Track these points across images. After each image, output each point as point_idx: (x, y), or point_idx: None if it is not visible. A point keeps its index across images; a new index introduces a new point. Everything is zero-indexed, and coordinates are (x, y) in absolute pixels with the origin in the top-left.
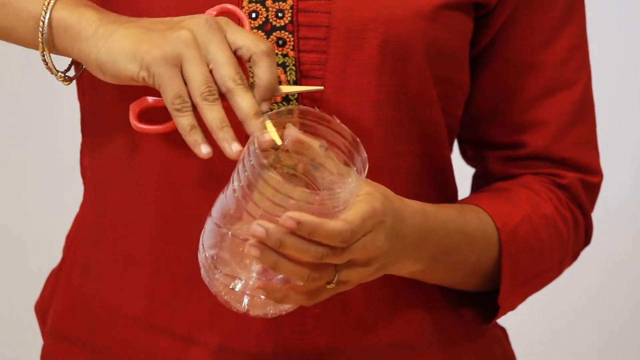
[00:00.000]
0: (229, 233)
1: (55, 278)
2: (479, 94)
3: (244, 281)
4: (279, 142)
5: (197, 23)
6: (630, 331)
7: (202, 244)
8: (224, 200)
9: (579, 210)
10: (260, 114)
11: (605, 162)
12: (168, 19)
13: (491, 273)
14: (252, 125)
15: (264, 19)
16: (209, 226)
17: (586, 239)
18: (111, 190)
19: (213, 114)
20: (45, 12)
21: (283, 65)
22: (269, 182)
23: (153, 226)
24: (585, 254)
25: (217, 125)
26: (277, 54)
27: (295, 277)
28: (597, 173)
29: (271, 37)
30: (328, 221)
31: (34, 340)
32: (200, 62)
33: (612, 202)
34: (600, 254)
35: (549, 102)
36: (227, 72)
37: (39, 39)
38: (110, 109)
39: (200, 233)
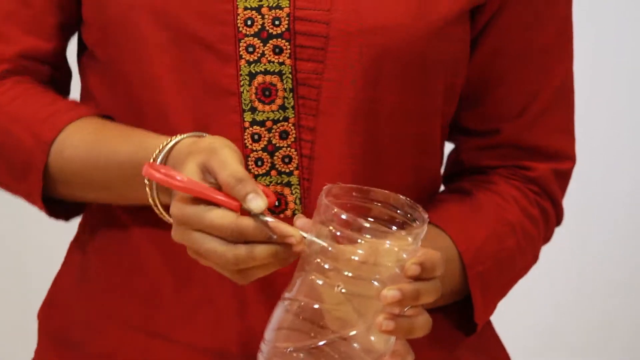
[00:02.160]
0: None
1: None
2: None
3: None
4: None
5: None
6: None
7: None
8: (303, 289)
9: (549, 201)
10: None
11: (608, 162)
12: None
13: (458, 289)
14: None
15: (259, 27)
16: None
17: (557, 223)
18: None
19: None
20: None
21: (280, 74)
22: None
23: (151, 233)
24: (585, 252)
25: None
26: (273, 62)
27: (427, 325)
28: (569, 158)
29: (268, 44)
30: (433, 253)
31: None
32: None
33: (613, 199)
34: (599, 251)
35: (527, 90)
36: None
37: (159, 213)
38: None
39: None
